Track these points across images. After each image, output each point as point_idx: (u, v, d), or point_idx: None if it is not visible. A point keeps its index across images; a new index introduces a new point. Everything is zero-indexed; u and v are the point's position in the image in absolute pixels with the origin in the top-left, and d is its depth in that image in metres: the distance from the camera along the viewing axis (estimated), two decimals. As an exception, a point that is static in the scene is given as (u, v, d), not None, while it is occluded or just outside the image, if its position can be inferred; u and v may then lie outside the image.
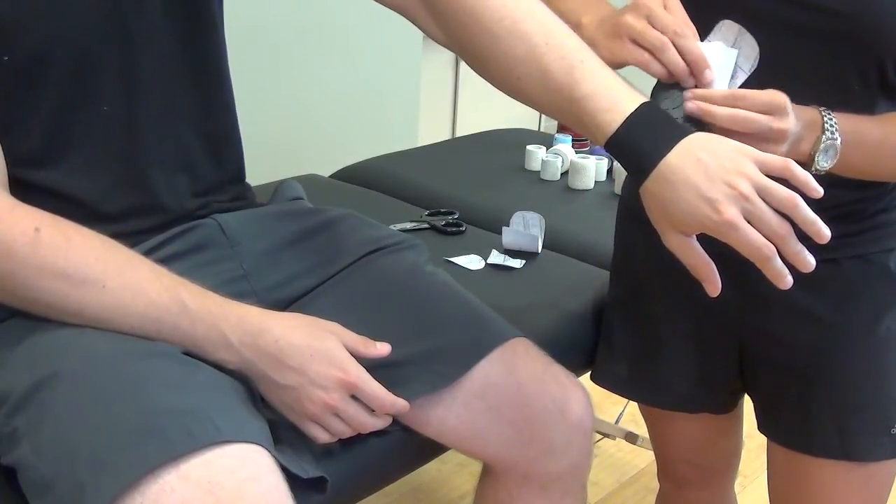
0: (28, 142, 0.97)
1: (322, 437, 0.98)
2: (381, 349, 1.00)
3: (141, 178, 1.04)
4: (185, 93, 1.07)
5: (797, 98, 0.99)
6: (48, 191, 0.96)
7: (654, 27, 0.96)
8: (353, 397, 0.98)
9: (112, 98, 1.00)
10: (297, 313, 1.00)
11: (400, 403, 0.99)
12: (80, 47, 0.96)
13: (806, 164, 1.00)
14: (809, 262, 0.88)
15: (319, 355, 0.96)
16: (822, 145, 1.00)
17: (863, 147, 1.03)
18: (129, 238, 0.97)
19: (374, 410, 0.99)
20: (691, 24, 0.98)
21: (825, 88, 1.06)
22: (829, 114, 1.01)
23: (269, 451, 0.88)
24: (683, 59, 0.95)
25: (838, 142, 1.00)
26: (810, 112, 1.01)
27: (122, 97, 1.01)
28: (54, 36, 0.94)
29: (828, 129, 1.00)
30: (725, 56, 0.99)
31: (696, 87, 0.96)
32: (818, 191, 0.88)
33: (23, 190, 0.94)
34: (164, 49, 1.04)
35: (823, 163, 1.01)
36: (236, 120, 1.15)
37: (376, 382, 0.98)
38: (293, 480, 0.90)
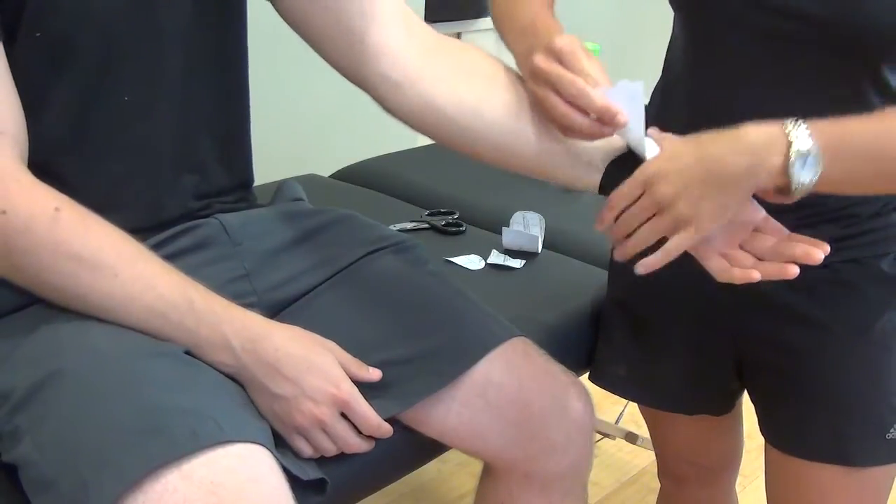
0: (50, 126, 0.97)
1: (306, 451, 0.99)
2: (373, 373, 1.01)
3: (150, 173, 1.04)
4: (206, 94, 1.08)
5: (795, 108, 0.92)
6: (60, 179, 0.96)
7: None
8: (343, 416, 0.98)
9: (134, 88, 1.00)
10: (298, 327, 1.00)
11: (385, 428, 1.01)
12: (106, 33, 0.97)
13: (786, 185, 0.89)
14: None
15: (315, 369, 0.97)
16: (794, 155, 0.87)
17: (849, 155, 0.90)
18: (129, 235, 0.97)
19: (360, 432, 1.00)
20: (588, 69, 0.95)
21: (822, 97, 1.04)
22: (796, 122, 0.89)
23: (271, 452, 0.88)
24: (593, 112, 0.94)
25: (816, 149, 0.88)
26: (761, 129, 0.90)
27: (144, 89, 1.01)
28: (83, 18, 0.95)
29: (794, 138, 0.88)
30: (631, 92, 0.95)
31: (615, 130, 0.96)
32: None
33: (37, 177, 0.94)
34: (190, 48, 1.04)
35: (803, 177, 0.88)
36: (249, 127, 1.16)
37: (367, 403, 0.99)
38: (293, 482, 0.90)
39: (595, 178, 1.03)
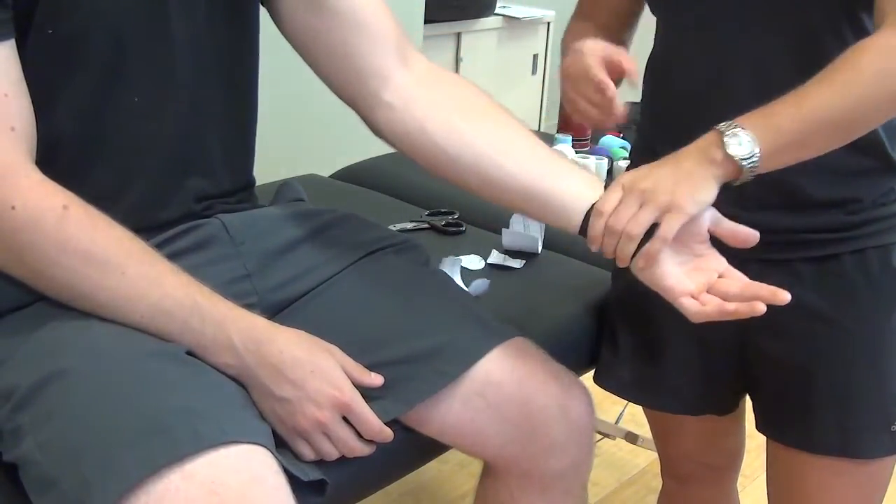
0: (59, 124, 0.97)
1: (308, 454, 0.99)
2: (375, 379, 1.01)
3: (155, 174, 1.05)
4: (215, 98, 1.08)
5: (771, 53, 1.04)
6: (64, 176, 0.95)
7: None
8: (344, 420, 0.99)
9: (144, 90, 1.01)
10: (302, 330, 1.01)
11: (386, 432, 1.01)
12: (118, 33, 0.97)
13: (736, 167, 0.97)
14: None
15: (319, 372, 0.97)
16: (726, 137, 0.97)
17: (780, 126, 0.98)
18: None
19: (361, 436, 1.00)
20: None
21: (798, 42, 1.07)
22: (725, 124, 0.99)
23: (272, 453, 0.88)
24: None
25: (742, 130, 0.97)
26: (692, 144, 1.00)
27: (153, 91, 1.02)
28: (97, 17, 0.95)
29: (722, 128, 0.97)
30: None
31: None
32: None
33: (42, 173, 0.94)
34: (201, 52, 1.05)
35: (742, 151, 0.96)
36: (255, 130, 1.17)
37: (368, 408, 0.99)
38: (293, 482, 0.90)
39: (574, 220, 1.04)
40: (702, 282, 0.99)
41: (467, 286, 1.35)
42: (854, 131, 1.01)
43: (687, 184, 0.98)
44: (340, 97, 1.13)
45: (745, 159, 0.96)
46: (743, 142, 0.96)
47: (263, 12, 1.12)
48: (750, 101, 1.00)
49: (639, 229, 0.98)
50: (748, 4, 1.08)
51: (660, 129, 1.20)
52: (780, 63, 1.08)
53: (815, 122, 0.98)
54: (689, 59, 1.15)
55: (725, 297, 0.98)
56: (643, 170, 1.01)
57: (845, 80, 0.97)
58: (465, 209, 1.68)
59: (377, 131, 1.13)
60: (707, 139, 0.99)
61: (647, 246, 0.98)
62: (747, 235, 0.99)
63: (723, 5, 1.10)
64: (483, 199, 1.11)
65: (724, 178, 0.98)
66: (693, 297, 0.99)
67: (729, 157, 0.96)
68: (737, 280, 0.99)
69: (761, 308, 0.94)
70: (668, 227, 0.97)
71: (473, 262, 1.48)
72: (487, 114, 1.11)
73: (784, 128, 0.97)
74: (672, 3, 1.17)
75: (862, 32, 1.04)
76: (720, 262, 1.01)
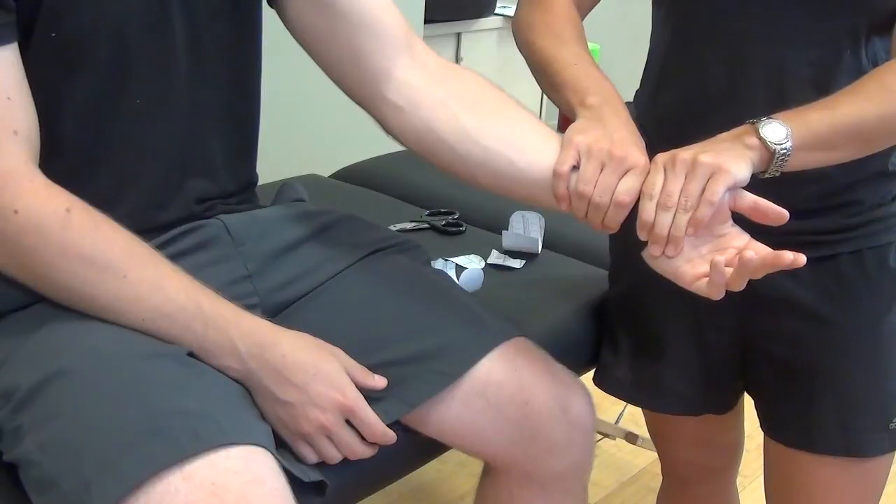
0: (61, 127, 0.97)
1: (311, 457, 0.99)
2: (378, 381, 1.01)
3: (157, 176, 1.05)
4: (217, 101, 1.08)
5: (792, 64, 1.07)
6: (66, 178, 0.95)
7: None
8: (347, 422, 0.99)
9: (146, 93, 1.01)
10: (305, 333, 1.00)
11: (389, 435, 1.01)
12: (121, 36, 0.97)
13: (768, 151, 0.98)
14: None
15: (322, 376, 0.97)
16: (760, 125, 0.98)
17: (819, 138, 1.01)
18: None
19: (363, 439, 1.00)
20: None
21: (820, 57, 1.08)
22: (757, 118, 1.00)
23: (272, 454, 0.88)
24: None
25: (775, 120, 0.99)
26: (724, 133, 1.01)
27: (155, 93, 1.01)
28: (100, 19, 0.95)
29: (759, 121, 0.99)
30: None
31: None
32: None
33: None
34: (203, 53, 1.04)
35: (775, 135, 0.98)
36: (258, 132, 1.16)
37: (371, 411, 0.99)
38: (293, 483, 0.90)
39: None
40: (720, 261, 0.96)
41: (458, 281, 1.35)
42: (880, 143, 1.06)
43: (727, 154, 0.98)
44: (351, 97, 1.12)
45: (778, 144, 0.97)
46: (777, 129, 0.98)
47: (267, 13, 1.12)
48: (763, 108, 1.00)
49: (692, 200, 0.97)
50: (777, 14, 1.08)
51: (663, 130, 1.20)
52: (799, 75, 1.08)
53: (845, 129, 1.00)
54: (700, 61, 1.14)
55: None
56: (674, 150, 1.00)
57: (874, 95, 1.01)
58: (465, 209, 1.68)
59: (387, 131, 1.12)
60: (740, 128, 1.00)
61: (695, 213, 0.96)
62: (769, 210, 0.97)
63: (746, 11, 1.10)
64: (497, 195, 1.10)
65: (757, 163, 0.98)
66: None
67: (763, 141, 0.98)
68: (758, 252, 0.95)
69: (748, 256, 0.92)
70: (713, 190, 0.96)
71: (473, 262, 1.48)
72: (496, 108, 1.10)
73: (815, 128, 0.99)
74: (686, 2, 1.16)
75: (872, 57, 1.07)
76: (742, 239, 0.99)
